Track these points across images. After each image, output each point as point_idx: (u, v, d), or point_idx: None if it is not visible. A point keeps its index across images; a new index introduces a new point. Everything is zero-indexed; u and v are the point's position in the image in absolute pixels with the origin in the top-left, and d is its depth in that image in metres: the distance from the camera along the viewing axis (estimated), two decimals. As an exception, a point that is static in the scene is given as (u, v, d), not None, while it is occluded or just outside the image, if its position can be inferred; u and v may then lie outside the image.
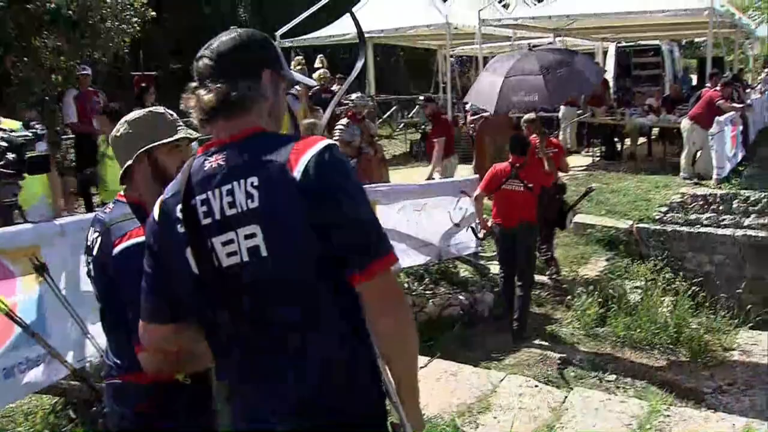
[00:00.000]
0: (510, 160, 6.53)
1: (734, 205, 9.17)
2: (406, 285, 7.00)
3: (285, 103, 1.83)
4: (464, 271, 7.74)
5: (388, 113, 19.01)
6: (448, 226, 7.22)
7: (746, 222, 9.02)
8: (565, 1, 13.25)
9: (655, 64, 19.90)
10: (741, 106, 11.01)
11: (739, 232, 8.79)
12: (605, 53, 21.53)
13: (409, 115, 18.94)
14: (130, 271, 1.95)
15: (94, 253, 2.22)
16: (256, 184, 1.58)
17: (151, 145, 2.23)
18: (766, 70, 23.61)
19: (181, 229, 1.67)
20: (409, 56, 33.84)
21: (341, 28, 15.22)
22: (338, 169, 1.62)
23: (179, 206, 1.67)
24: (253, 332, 1.64)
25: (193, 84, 1.71)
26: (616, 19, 12.84)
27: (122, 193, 2.29)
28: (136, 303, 1.85)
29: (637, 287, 8.24)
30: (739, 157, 11.05)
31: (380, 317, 1.60)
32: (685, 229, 9.05)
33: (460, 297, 7.14)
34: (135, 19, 8.41)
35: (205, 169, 1.67)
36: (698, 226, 9.11)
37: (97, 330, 3.89)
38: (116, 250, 2.12)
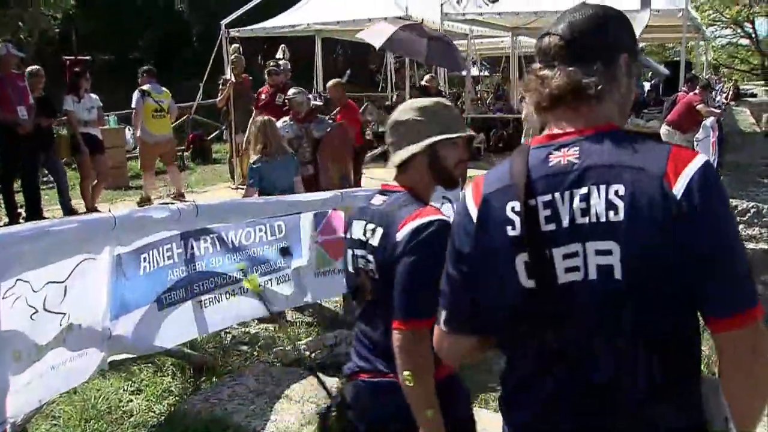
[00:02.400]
0: None
1: (722, 215, 8.63)
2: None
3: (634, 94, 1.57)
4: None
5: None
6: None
7: (735, 233, 8.50)
8: (530, -2, 12.65)
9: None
10: (720, 111, 10.62)
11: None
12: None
13: (360, 112, 18.12)
14: (424, 247, 1.96)
15: (376, 243, 2.11)
16: (621, 193, 1.36)
17: (448, 136, 2.17)
18: (715, 76, 23.88)
19: (512, 231, 1.44)
20: (347, 53, 33.26)
21: (292, 19, 14.24)
22: (722, 193, 1.39)
23: (513, 204, 1.44)
24: (578, 363, 1.43)
25: (537, 65, 1.50)
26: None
27: (391, 183, 2.22)
28: (425, 286, 1.80)
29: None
30: (716, 163, 10.65)
31: (742, 374, 1.37)
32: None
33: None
34: (70, -8, 7.23)
35: (551, 164, 1.44)
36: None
37: (19, 381, 2.93)
38: (405, 229, 2.01)
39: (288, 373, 4.42)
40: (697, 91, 10.11)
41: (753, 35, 37.78)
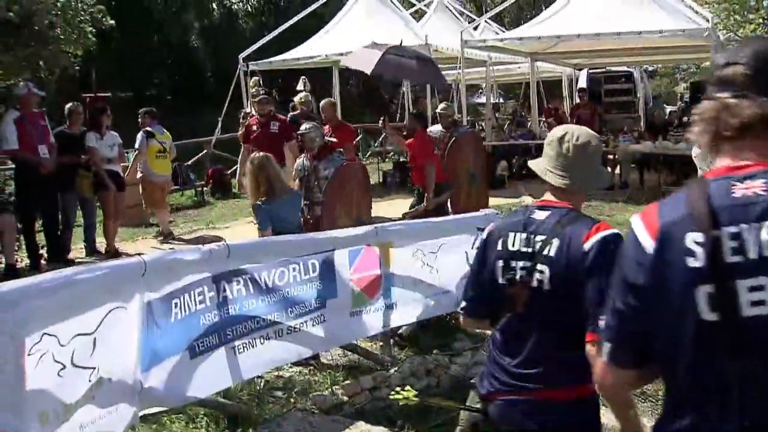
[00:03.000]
0: None
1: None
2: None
3: None
4: (480, 320, 6.65)
5: (353, 142, 18.20)
6: (465, 268, 6.14)
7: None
8: (551, 23, 12.48)
9: (626, 91, 19.44)
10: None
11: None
12: (571, 80, 21.11)
13: (378, 143, 18.00)
14: (607, 262, 1.99)
15: (551, 253, 2.24)
16: None
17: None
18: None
19: (693, 263, 1.42)
20: (361, 83, 33.31)
21: (309, 50, 14.16)
22: None
23: (694, 236, 1.42)
24: (759, 395, 1.40)
25: (722, 94, 1.49)
26: (612, 40, 12.09)
27: (551, 199, 2.37)
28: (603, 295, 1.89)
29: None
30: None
31: None
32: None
33: (484, 352, 6.03)
34: (90, 29, 7.07)
35: (735, 196, 1.42)
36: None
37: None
38: (594, 239, 2.18)
39: (328, 422, 4.16)
40: (728, 111, 9.82)
41: None
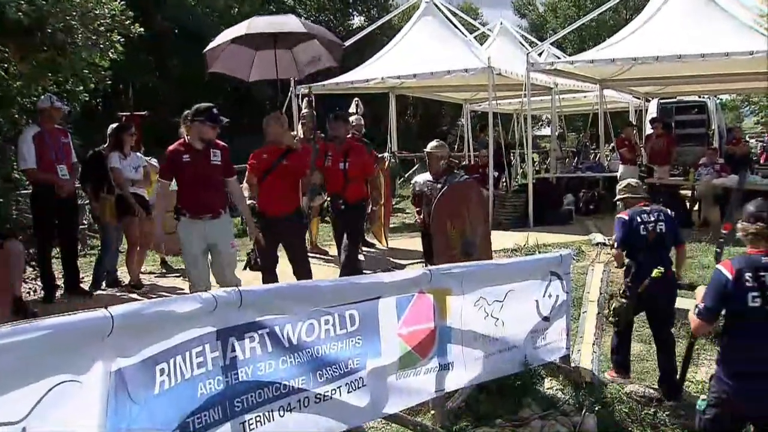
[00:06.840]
0: None
1: None
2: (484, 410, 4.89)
3: None
4: (550, 381, 5.60)
5: (411, 171, 17.72)
6: (535, 320, 5.18)
7: None
8: (624, 45, 11.42)
9: (699, 122, 18.17)
10: None
11: None
12: (638, 111, 20.00)
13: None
14: None
15: None
16: None
17: None
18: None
19: None
20: (418, 112, 32.58)
21: (365, 74, 13.38)
22: None
23: None
24: None
25: None
26: (692, 64, 10.97)
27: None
28: None
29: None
30: None
31: None
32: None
33: (558, 426, 4.99)
34: (116, 37, 6.35)
35: None
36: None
37: None
38: None
39: None
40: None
41: None
